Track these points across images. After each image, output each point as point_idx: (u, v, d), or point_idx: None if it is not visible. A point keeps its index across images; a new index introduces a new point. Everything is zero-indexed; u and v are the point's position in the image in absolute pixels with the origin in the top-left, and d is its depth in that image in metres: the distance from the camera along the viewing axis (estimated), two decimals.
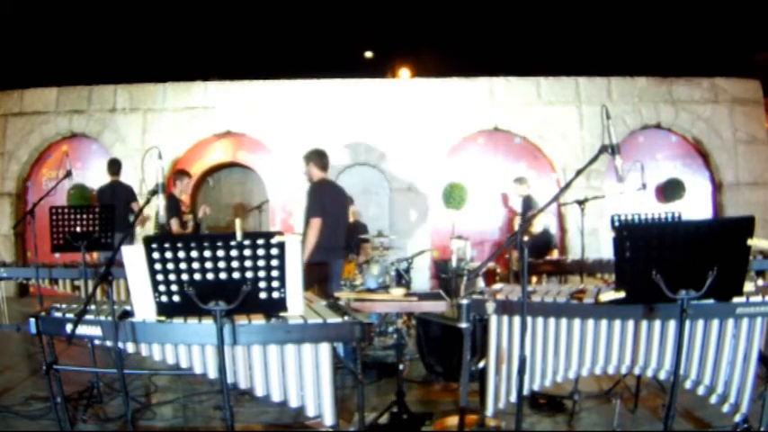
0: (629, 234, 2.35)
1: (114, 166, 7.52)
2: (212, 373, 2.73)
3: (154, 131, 9.27)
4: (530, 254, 2.94)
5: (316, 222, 4.90)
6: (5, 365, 5.05)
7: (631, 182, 5.96)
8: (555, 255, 7.23)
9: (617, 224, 4.50)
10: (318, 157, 5.27)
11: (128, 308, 2.82)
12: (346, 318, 2.76)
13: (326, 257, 4.99)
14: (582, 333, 2.97)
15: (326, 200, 5.02)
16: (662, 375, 2.89)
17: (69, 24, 12.14)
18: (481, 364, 3.24)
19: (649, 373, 2.92)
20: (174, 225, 6.47)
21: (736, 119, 9.36)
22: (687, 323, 2.44)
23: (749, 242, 2.30)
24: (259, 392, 2.71)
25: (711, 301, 2.69)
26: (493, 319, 3.12)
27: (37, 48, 12.21)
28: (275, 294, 2.38)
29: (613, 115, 2.75)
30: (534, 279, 5.62)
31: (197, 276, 2.31)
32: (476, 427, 3.32)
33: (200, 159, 9.69)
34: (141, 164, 8.53)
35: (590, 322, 2.94)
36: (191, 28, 13.06)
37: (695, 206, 9.33)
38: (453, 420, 3.56)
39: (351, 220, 7.08)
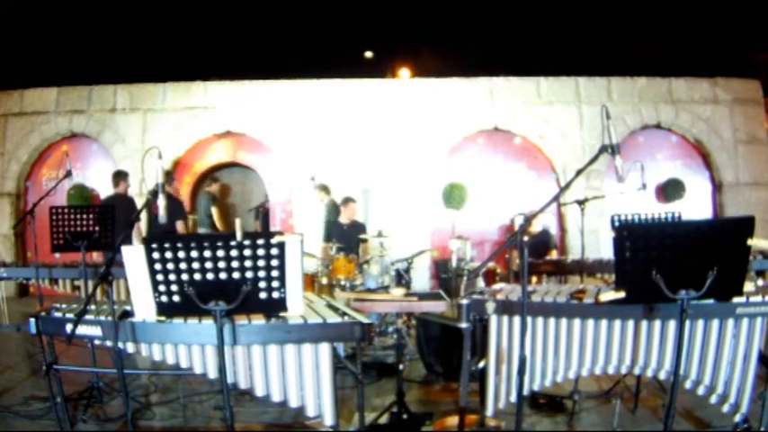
0: (629, 234, 2.35)
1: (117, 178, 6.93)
2: (212, 373, 2.73)
3: (154, 131, 9.27)
4: (529, 254, 2.94)
5: None
6: (5, 365, 5.05)
7: (631, 182, 5.96)
8: (554, 255, 7.24)
9: (617, 224, 4.50)
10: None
11: (128, 308, 2.82)
12: (346, 318, 2.76)
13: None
14: (582, 333, 2.97)
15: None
16: (662, 375, 2.89)
17: (69, 24, 12.13)
18: (481, 364, 3.24)
19: (649, 373, 2.92)
20: (180, 227, 6.57)
21: (736, 119, 9.36)
22: (687, 323, 2.44)
23: (749, 242, 2.30)
24: (259, 392, 2.71)
25: (711, 301, 2.69)
26: (493, 319, 3.12)
27: (37, 48, 12.21)
28: (275, 294, 2.38)
29: (613, 115, 2.75)
30: (534, 279, 5.62)
31: (197, 276, 2.31)
32: (476, 427, 3.32)
33: (200, 159, 9.69)
34: (141, 164, 8.52)
35: (590, 322, 2.94)
36: (191, 28, 13.06)
37: (695, 206, 9.33)
38: (453, 420, 3.56)
39: (349, 220, 7.08)
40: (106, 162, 9.45)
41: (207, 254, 2.28)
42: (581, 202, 5.24)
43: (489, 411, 3.20)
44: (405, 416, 3.66)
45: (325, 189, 8.17)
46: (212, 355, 2.71)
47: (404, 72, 15.35)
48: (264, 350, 2.70)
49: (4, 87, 9.57)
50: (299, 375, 2.70)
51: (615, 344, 2.92)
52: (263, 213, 8.90)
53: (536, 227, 6.95)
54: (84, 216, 4.33)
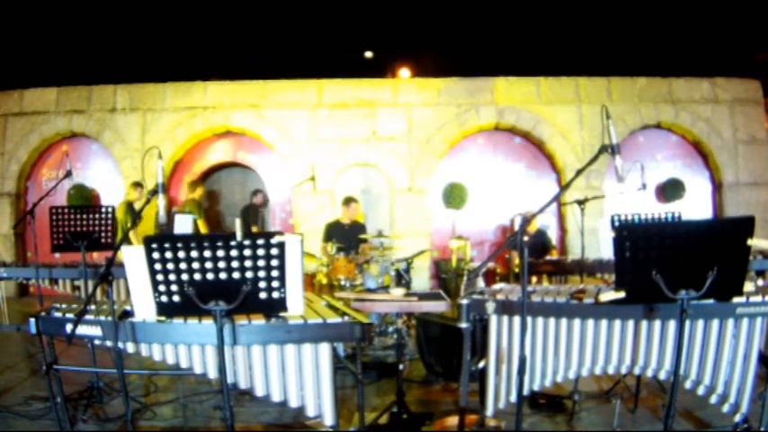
0: (629, 234, 2.35)
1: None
2: (212, 373, 2.73)
3: (154, 131, 9.28)
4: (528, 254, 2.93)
5: None
6: (5, 365, 5.05)
7: (631, 182, 5.96)
8: (555, 255, 7.23)
9: (617, 224, 4.50)
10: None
11: (128, 308, 2.82)
12: (346, 318, 2.76)
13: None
14: (582, 333, 2.97)
15: None
16: (662, 375, 2.89)
17: (69, 24, 12.13)
18: (481, 364, 3.24)
19: (649, 373, 2.92)
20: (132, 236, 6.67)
21: (736, 119, 9.36)
22: (687, 323, 2.44)
23: (749, 242, 2.30)
24: (259, 392, 2.72)
25: (711, 301, 2.69)
26: (493, 319, 3.12)
27: (37, 48, 12.20)
28: (275, 294, 2.38)
29: (613, 115, 2.75)
30: (534, 279, 5.63)
31: (197, 276, 2.31)
32: (476, 427, 3.32)
33: (200, 159, 9.69)
34: (141, 164, 8.53)
35: (590, 322, 2.94)
36: (191, 28, 13.05)
37: (695, 206, 9.33)
38: (453, 420, 3.56)
39: (349, 220, 7.08)
40: (106, 162, 9.46)
41: (207, 254, 2.28)
42: (581, 202, 5.24)
43: (489, 411, 3.20)
44: (405, 416, 3.66)
45: (192, 185, 8.29)
46: (212, 355, 2.71)
47: (404, 72, 15.35)
48: (264, 350, 2.70)
49: (4, 87, 9.57)
50: (299, 375, 2.70)
51: (615, 344, 2.92)
52: (252, 213, 8.79)
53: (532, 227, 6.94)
54: (85, 216, 4.34)
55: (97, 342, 3.02)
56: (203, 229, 7.56)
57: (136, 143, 9.27)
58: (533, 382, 3.08)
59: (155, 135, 9.19)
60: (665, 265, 2.32)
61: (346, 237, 6.69)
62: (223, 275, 2.31)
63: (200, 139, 9.52)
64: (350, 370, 4.19)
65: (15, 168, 9.38)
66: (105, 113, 9.37)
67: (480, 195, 9.39)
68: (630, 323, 2.88)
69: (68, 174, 5.07)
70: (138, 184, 7.61)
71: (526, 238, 2.60)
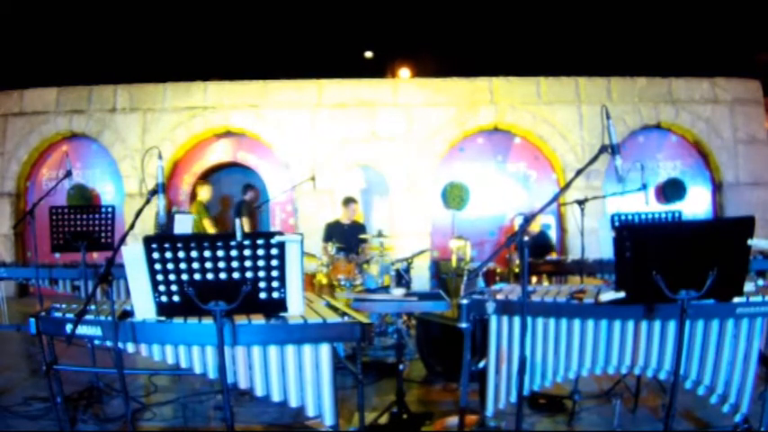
0: (629, 234, 2.35)
1: None
2: (212, 373, 2.73)
3: (154, 131, 9.27)
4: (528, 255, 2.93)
5: None
6: (5, 365, 5.05)
7: (631, 182, 5.96)
8: (554, 256, 7.22)
9: (617, 224, 4.51)
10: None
11: (128, 308, 2.82)
12: (346, 318, 2.76)
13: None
14: (582, 333, 2.97)
15: None
16: (662, 375, 2.89)
17: (69, 24, 12.13)
18: (481, 364, 3.24)
19: (649, 373, 2.92)
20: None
21: (737, 119, 9.36)
22: (687, 323, 2.44)
23: (749, 242, 2.30)
24: (259, 392, 2.72)
25: (711, 301, 2.69)
26: (493, 319, 3.12)
27: (37, 48, 12.20)
28: (275, 294, 2.38)
29: (613, 115, 2.75)
30: (534, 279, 5.63)
31: (197, 276, 2.31)
32: (476, 427, 3.32)
33: (200, 159, 9.68)
34: (141, 164, 8.53)
35: (590, 322, 2.94)
36: (191, 28, 13.05)
37: (695, 206, 9.33)
38: (453, 420, 3.56)
39: (349, 220, 7.08)
40: (106, 162, 9.46)
41: (207, 254, 2.28)
42: (581, 202, 5.24)
43: (489, 411, 3.21)
44: (405, 416, 3.66)
45: (246, 189, 8.49)
46: (212, 355, 2.71)
47: (404, 72, 15.34)
48: (264, 350, 2.70)
49: (4, 87, 9.56)
50: (299, 375, 2.70)
51: (615, 344, 2.92)
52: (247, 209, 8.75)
53: (535, 228, 6.94)
54: (85, 216, 4.34)
55: (97, 342, 3.02)
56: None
57: (136, 143, 9.26)
58: (533, 382, 3.08)
59: (155, 135, 9.18)
60: (665, 265, 2.32)
61: (346, 237, 6.70)
62: (223, 275, 2.31)
63: (200, 139, 9.51)
64: (350, 370, 4.18)
65: (15, 168, 9.38)
66: (105, 113, 9.37)
67: (480, 195, 9.39)
68: (630, 323, 2.88)
69: (68, 174, 5.06)
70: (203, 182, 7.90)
71: (527, 238, 2.60)
